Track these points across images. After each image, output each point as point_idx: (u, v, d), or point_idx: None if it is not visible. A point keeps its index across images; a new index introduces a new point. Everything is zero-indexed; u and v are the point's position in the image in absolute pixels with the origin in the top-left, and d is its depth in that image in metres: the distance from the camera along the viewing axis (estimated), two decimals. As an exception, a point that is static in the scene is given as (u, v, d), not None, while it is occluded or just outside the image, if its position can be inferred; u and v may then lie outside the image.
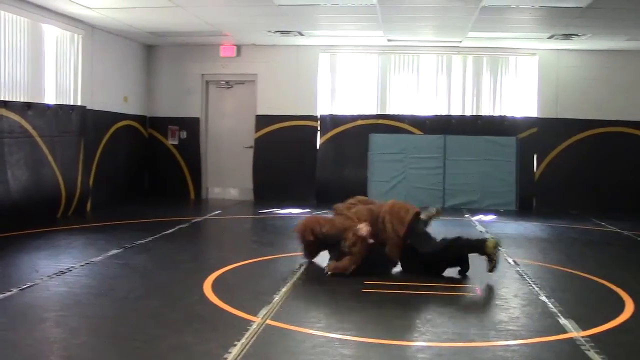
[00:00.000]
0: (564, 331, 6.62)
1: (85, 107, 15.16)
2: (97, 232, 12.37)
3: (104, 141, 16.23)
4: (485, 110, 18.30)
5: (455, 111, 18.31)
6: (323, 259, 9.66)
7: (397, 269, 9.39)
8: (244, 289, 8.39)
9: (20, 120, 12.85)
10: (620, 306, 7.68)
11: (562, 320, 6.97)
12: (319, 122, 18.35)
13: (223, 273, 9.05)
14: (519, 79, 18.33)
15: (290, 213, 15.74)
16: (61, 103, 14.41)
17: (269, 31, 16.22)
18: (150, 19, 14.95)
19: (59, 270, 8.80)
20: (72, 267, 9.08)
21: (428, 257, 9.16)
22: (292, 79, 18.40)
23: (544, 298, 7.97)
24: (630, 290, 8.41)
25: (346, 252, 9.08)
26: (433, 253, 9.12)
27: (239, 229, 14.46)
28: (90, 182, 15.38)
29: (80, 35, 15.08)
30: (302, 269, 9.40)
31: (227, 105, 19.01)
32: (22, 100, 13.10)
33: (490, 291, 8.43)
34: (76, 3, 13.20)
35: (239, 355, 5.67)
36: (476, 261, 9.63)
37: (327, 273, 8.98)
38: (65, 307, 7.14)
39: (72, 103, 14.84)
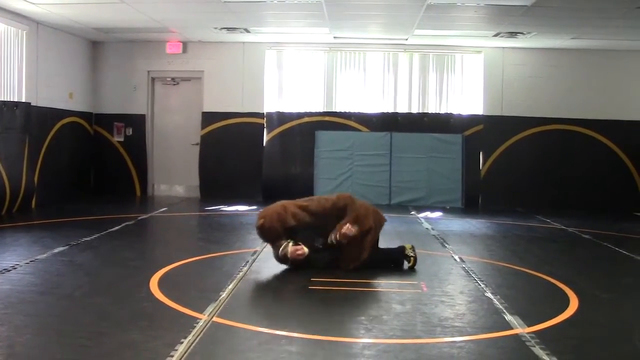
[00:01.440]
0: (510, 327, 6.69)
1: (29, 103, 14.99)
2: (42, 229, 12.24)
3: (49, 138, 16.06)
4: (432, 108, 18.42)
5: (402, 108, 18.40)
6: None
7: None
8: (191, 287, 8.35)
9: (-37, 117, 12.70)
10: (564, 302, 7.77)
11: (508, 317, 7.04)
12: (265, 119, 18.33)
13: (169, 270, 9.01)
14: (464, 76, 18.48)
15: (236, 210, 15.71)
16: (5, 99, 14.22)
17: (215, 28, 16.17)
18: (95, 15, 14.81)
19: (3, 268, 8.69)
20: (16, 264, 8.98)
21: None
22: (238, 76, 18.37)
23: (489, 295, 8.04)
24: (574, 287, 8.53)
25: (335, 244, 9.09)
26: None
27: (185, 226, 14.39)
28: (35, 179, 15.20)
29: (25, 31, 14.90)
30: (249, 266, 9.38)
31: (173, 102, 18.92)
32: (-36, 97, 12.95)
33: (436, 288, 8.46)
34: (20, -2, 13.08)
35: (185, 352, 5.64)
36: (421, 259, 9.73)
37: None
38: (9, 305, 7.04)
39: (16, 99, 14.67)
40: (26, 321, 6.56)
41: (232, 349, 5.93)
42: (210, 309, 7.00)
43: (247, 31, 16.48)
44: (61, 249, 10.22)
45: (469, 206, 17.81)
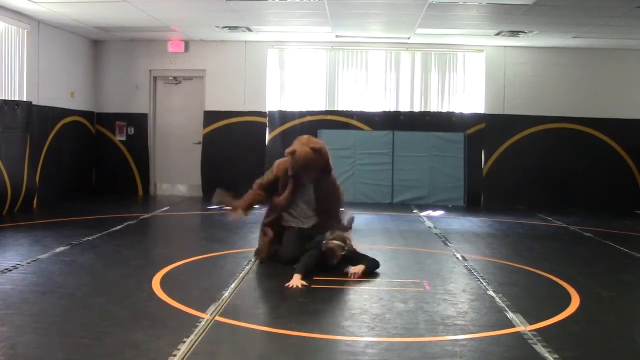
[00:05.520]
0: (512, 325, 6.69)
1: (31, 102, 14.98)
2: (43, 229, 12.23)
3: (50, 137, 16.05)
4: (434, 106, 18.43)
5: (404, 107, 18.41)
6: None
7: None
8: (193, 286, 8.34)
9: (-35, 116, 12.69)
10: (566, 300, 7.77)
11: (510, 315, 7.04)
12: (267, 118, 18.33)
13: (172, 270, 9.01)
14: (466, 75, 18.48)
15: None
16: (6, 99, 14.22)
17: (217, 27, 16.16)
18: (97, 14, 14.81)
19: (5, 268, 8.69)
20: (18, 264, 8.98)
21: None
22: (240, 75, 18.37)
23: (491, 293, 8.04)
24: (576, 284, 8.53)
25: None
26: None
27: (187, 225, 14.39)
28: (37, 178, 15.19)
29: (26, 30, 14.89)
30: (251, 265, 9.38)
31: (175, 101, 18.91)
32: (-34, 96, 12.94)
33: (438, 286, 8.45)
34: (21, -3, 13.08)
35: (187, 351, 5.64)
36: (424, 257, 9.74)
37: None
38: (11, 305, 7.03)
39: (17, 98, 14.66)
40: (28, 321, 6.55)
41: (235, 348, 5.93)
42: (212, 308, 7.00)
43: (249, 30, 16.48)
44: (63, 248, 10.22)
45: (471, 204, 17.80)
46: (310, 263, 8.76)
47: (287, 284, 8.24)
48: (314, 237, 9.21)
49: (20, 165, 14.42)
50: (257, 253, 9.72)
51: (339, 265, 8.94)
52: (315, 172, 9.46)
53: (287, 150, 9.52)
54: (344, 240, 8.97)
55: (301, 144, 9.42)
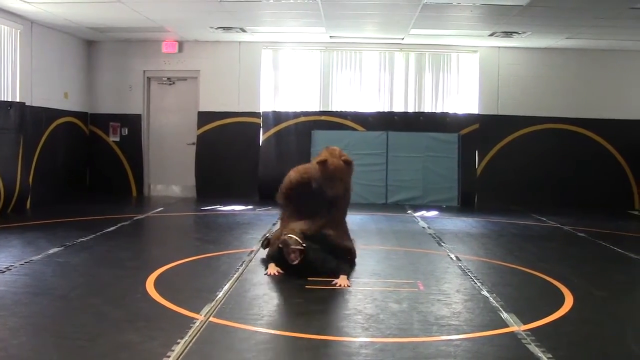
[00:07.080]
0: (506, 325, 6.69)
1: (24, 103, 14.95)
2: (37, 230, 12.19)
3: (43, 138, 16.03)
4: (428, 107, 18.44)
5: (398, 108, 18.43)
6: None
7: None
8: (187, 287, 8.35)
9: (-42, 117, 12.66)
10: (559, 300, 7.78)
11: (504, 315, 7.04)
12: (261, 119, 18.32)
13: (166, 271, 8.99)
14: (460, 76, 18.49)
15: (232, 210, 15.69)
16: (-1, 99, 14.23)
17: (211, 27, 16.16)
18: (90, 14, 14.79)
19: (-2, 270, 8.69)
20: (11, 266, 8.95)
21: None
22: (234, 76, 18.37)
23: (485, 293, 8.04)
24: (569, 284, 8.55)
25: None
26: None
27: (181, 226, 14.37)
28: (30, 179, 15.17)
29: (19, 30, 14.87)
30: (245, 266, 9.37)
31: (169, 101, 18.90)
32: (-41, 97, 12.91)
33: (432, 286, 8.45)
34: (14, -3, 13.05)
35: (181, 353, 5.63)
36: (418, 258, 9.73)
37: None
38: (4, 307, 7.00)
39: (10, 99, 14.63)
40: (21, 323, 6.53)
41: (229, 349, 5.92)
42: (206, 309, 6.99)
43: (243, 30, 16.47)
44: (56, 250, 10.19)
45: (465, 205, 17.82)
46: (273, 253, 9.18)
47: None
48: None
49: (13, 166, 14.40)
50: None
51: (303, 268, 8.79)
52: (341, 186, 9.25)
53: (317, 159, 9.33)
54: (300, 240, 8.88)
55: (333, 156, 9.26)
